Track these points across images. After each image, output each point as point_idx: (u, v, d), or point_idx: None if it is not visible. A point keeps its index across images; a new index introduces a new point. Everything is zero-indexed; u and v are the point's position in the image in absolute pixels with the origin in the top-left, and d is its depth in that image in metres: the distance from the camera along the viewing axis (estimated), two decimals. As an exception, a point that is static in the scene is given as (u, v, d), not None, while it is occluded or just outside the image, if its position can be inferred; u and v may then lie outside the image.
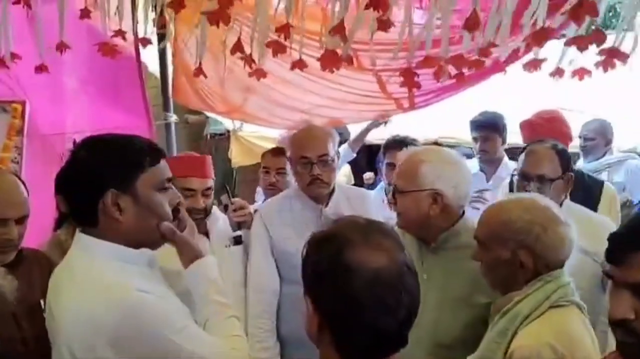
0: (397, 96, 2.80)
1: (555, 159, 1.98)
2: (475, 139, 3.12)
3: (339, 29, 1.68)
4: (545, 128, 2.60)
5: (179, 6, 1.70)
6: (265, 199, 2.75)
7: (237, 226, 2.15)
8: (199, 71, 2.19)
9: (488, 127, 3.04)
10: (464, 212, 1.73)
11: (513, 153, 2.77)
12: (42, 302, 1.53)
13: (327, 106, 2.95)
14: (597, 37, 1.67)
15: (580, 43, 1.72)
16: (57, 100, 2.88)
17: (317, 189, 2.08)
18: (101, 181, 1.22)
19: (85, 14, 2.06)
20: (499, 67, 2.42)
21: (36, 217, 2.57)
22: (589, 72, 2.09)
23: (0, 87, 2.62)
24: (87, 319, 1.17)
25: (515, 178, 2.05)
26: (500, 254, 1.42)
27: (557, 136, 2.37)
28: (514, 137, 3.28)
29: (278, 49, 1.86)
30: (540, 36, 1.62)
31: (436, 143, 4.60)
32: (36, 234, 2.56)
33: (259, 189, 3.20)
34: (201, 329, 1.28)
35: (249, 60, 1.92)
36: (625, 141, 4.02)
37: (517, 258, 1.40)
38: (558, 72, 2.10)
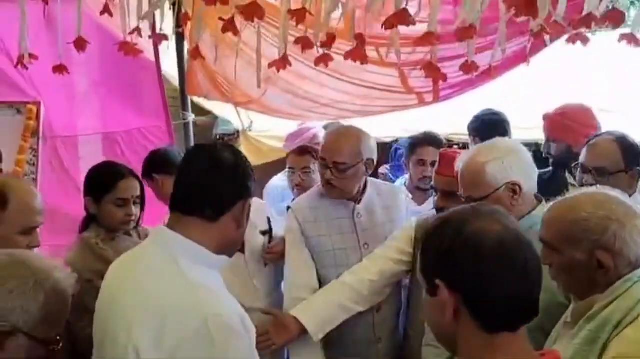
0: (419, 90, 2.77)
1: (618, 151, 1.91)
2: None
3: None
4: (560, 123, 2.52)
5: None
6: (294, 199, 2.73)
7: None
8: (197, 52, 2.15)
9: (478, 133, 2.91)
10: (541, 200, 1.70)
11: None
12: None
13: (347, 102, 2.92)
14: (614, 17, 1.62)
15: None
16: (71, 101, 2.85)
17: (328, 191, 2.05)
18: (245, 187, 1.27)
19: (105, 10, 2.02)
20: (522, 57, 2.39)
21: (52, 217, 2.55)
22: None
23: (15, 88, 2.58)
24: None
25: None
26: (573, 256, 1.28)
27: (577, 130, 2.34)
28: (531, 133, 3.27)
29: (306, 45, 1.84)
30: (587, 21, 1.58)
31: (448, 140, 4.60)
32: (50, 234, 2.54)
33: (267, 189, 3.18)
34: None
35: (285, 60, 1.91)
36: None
37: (594, 260, 1.26)
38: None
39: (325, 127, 3.43)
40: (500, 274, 0.91)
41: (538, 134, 3.19)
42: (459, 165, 1.74)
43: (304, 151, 2.65)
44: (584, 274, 1.28)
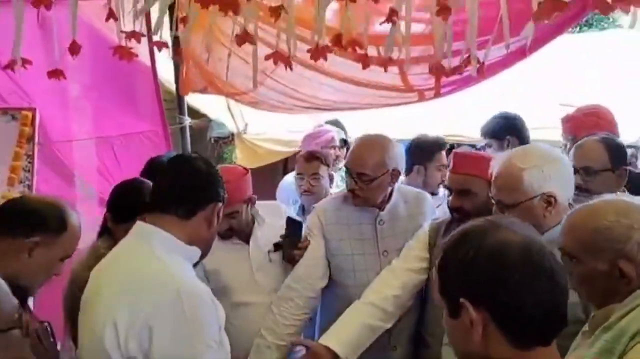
0: (418, 88, 2.74)
1: (603, 151, 1.93)
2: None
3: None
4: (582, 122, 2.52)
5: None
6: (300, 204, 2.77)
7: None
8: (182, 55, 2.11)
9: (490, 135, 2.90)
10: (570, 205, 1.67)
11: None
12: None
13: (343, 100, 2.89)
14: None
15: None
16: (65, 107, 2.82)
17: (353, 199, 2.06)
18: (216, 192, 1.45)
19: (110, 15, 2.00)
20: (522, 53, 2.38)
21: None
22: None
23: (9, 94, 2.56)
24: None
25: None
26: (595, 266, 1.23)
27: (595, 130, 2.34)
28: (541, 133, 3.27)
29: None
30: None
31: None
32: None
33: (281, 186, 3.18)
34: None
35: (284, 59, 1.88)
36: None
37: (616, 269, 1.21)
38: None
39: (331, 123, 3.42)
40: (530, 284, 0.87)
41: (535, 134, 3.20)
42: (494, 166, 1.70)
43: (312, 156, 2.68)
44: (605, 284, 1.24)
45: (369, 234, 2.08)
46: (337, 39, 1.90)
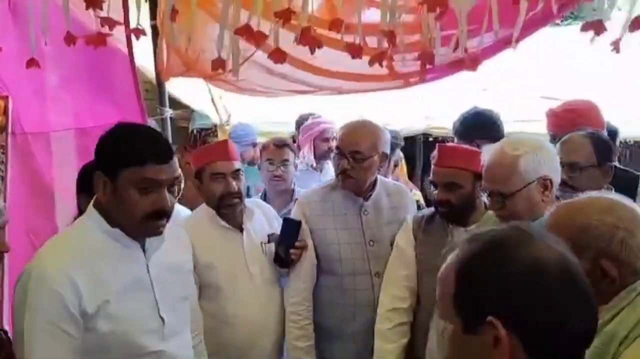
0: (404, 72, 2.70)
1: (589, 147, 1.94)
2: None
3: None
4: (561, 120, 2.50)
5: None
6: (262, 194, 2.80)
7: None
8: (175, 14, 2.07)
9: (459, 136, 2.75)
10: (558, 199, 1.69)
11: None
12: None
13: (329, 86, 2.86)
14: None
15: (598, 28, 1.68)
16: (41, 96, 2.74)
17: (343, 181, 2.08)
18: (98, 160, 1.46)
19: (92, 3, 1.92)
20: (507, 42, 2.36)
21: (19, 216, 2.46)
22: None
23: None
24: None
25: None
26: None
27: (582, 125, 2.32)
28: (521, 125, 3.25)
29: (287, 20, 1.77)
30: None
31: (426, 134, 4.61)
32: (19, 232, 2.46)
33: None
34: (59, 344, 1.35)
35: (260, 38, 1.82)
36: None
37: (598, 269, 1.18)
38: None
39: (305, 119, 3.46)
40: (571, 306, 0.80)
41: (516, 127, 3.20)
42: (485, 159, 1.70)
43: (283, 144, 2.73)
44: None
45: (354, 224, 2.11)
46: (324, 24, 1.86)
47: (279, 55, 1.86)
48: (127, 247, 1.44)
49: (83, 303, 1.34)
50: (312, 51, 1.86)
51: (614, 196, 1.29)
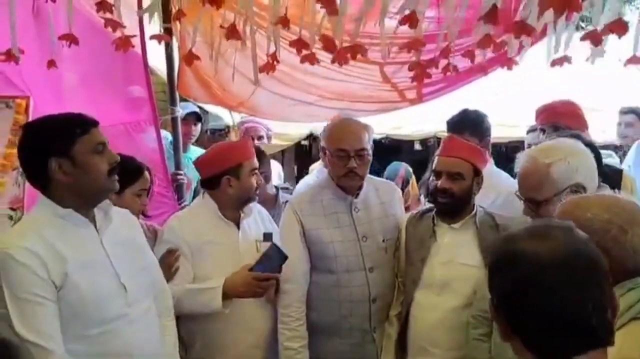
0: (402, 87, 2.80)
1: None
2: None
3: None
4: (560, 110, 2.57)
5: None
6: None
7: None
8: (191, 57, 2.20)
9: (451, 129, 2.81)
10: None
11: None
12: None
13: (335, 99, 2.95)
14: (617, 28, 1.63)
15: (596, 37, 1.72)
16: (59, 96, 2.84)
17: (350, 181, 2.12)
18: (44, 152, 1.54)
19: (103, 7, 2.04)
20: (506, 59, 2.43)
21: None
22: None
23: (3, 82, 2.58)
24: None
25: None
26: None
27: (572, 118, 2.39)
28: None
29: (301, 46, 1.89)
30: (520, 29, 1.62)
31: (437, 138, 4.64)
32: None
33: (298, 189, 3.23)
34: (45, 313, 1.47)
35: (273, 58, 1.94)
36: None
37: None
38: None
39: None
40: (561, 291, 0.95)
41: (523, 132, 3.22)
42: (518, 166, 1.72)
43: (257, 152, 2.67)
44: None
45: (346, 221, 2.14)
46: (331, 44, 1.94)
47: (311, 58, 2.05)
48: (80, 227, 1.59)
49: (50, 271, 1.49)
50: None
51: (620, 194, 1.32)
